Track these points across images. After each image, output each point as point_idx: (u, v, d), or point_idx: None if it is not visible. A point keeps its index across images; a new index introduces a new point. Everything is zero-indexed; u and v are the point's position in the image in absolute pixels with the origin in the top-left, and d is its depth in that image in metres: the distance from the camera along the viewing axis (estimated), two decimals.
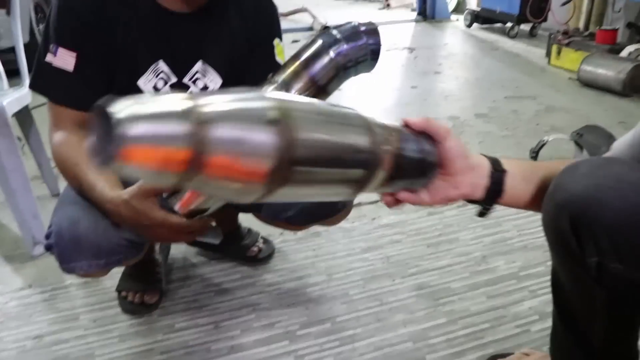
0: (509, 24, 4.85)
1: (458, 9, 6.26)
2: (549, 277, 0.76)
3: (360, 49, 0.90)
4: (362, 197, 1.73)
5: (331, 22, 4.81)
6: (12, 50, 1.64)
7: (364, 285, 1.31)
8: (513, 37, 4.78)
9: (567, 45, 3.53)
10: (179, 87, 0.98)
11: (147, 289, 1.23)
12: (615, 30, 3.44)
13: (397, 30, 5.39)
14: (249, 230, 1.44)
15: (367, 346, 1.11)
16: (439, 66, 3.82)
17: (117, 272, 1.21)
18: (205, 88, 1.01)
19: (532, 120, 2.59)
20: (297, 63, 0.88)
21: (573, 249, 0.59)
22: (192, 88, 0.99)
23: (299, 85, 0.86)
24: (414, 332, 1.15)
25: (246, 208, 1.19)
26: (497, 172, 0.64)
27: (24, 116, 1.64)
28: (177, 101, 0.34)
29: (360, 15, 6.66)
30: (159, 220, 0.80)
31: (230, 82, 1.02)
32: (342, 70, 0.89)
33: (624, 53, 3.16)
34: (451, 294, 1.27)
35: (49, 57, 0.88)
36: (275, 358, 1.09)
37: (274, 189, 0.39)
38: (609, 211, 0.54)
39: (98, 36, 0.89)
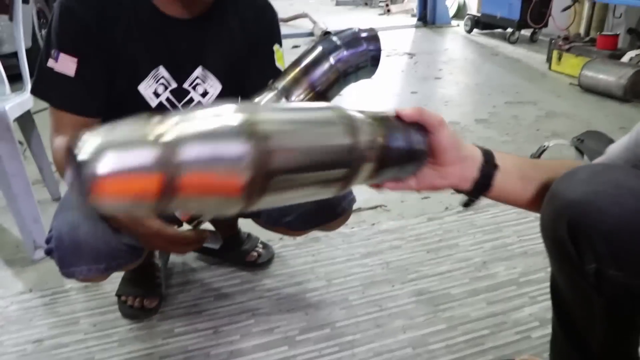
0: (509, 30, 4.86)
1: (458, 15, 6.27)
2: (549, 284, 0.76)
3: (360, 55, 0.91)
4: (361, 202, 1.73)
5: (331, 28, 4.83)
6: (14, 55, 1.66)
7: (364, 290, 1.31)
8: (513, 42, 4.79)
9: (568, 50, 3.54)
10: (179, 92, 0.99)
11: (146, 293, 1.23)
12: (616, 36, 3.45)
13: (398, 36, 5.40)
14: (249, 235, 1.44)
15: (367, 352, 1.11)
16: (439, 72, 3.83)
17: (117, 277, 1.21)
18: (205, 94, 1.01)
19: (532, 126, 2.60)
20: (297, 69, 0.89)
21: (571, 255, 0.59)
22: (192, 93, 1.00)
23: (299, 91, 0.87)
24: (414, 338, 1.14)
25: (245, 213, 1.19)
26: (488, 167, 0.63)
27: (25, 121, 1.65)
28: (142, 128, 0.34)
29: (360, 20, 6.69)
30: (154, 230, 0.81)
31: (229, 87, 1.03)
32: (343, 76, 0.90)
33: (625, 59, 3.16)
34: (451, 299, 1.27)
35: (50, 63, 0.89)
36: None
37: (254, 200, 0.39)
38: (607, 218, 0.54)
39: (99, 42, 0.90)
